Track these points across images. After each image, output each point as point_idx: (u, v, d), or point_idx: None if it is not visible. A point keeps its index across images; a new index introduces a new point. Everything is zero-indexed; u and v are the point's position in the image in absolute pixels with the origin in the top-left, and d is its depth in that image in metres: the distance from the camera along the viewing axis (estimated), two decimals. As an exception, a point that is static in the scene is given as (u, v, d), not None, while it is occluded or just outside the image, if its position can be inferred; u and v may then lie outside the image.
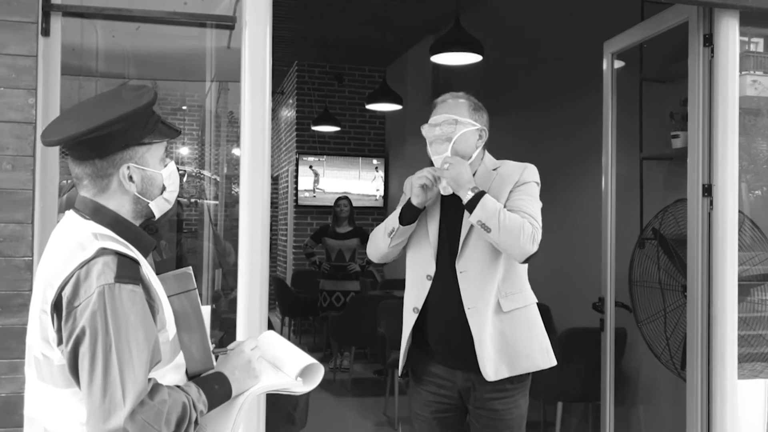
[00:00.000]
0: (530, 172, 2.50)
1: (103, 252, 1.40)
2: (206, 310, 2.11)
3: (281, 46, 8.10)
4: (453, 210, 2.46)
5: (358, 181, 9.04)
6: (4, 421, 2.01)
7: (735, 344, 2.75)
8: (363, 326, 5.84)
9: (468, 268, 2.39)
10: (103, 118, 1.44)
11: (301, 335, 8.27)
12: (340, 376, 6.48)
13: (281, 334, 8.80)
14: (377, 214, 9.06)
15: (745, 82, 3.19)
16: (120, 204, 1.52)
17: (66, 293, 1.38)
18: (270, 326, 3.01)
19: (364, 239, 6.83)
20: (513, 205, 2.38)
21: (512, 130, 6.06)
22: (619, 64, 3.74)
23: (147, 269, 1.48)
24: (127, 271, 1.39)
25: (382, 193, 9.06)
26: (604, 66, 3.57)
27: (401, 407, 5.04)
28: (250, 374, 1.58)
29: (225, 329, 2.84)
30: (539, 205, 2.47)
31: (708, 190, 2.79)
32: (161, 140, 1.54)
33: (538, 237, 2.32)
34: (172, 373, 1.49)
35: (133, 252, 1.47)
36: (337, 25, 7.27)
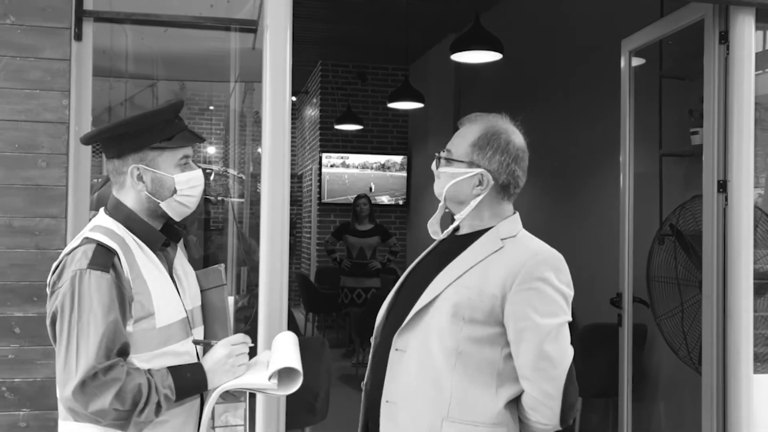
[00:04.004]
0: (548, 266, 1.68)
1: (86, 241, 1.59)
2: (230, 301, 2.23)
3: (305, 47, 8.20)
4: (426, 265, 1.88)
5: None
6: (40, 404, 2.12)
7: (750, 339, 2.77)
8: (385, 322, 5.90)
9: (408, 347, 1.70)
10: (117, 122, 1.65)
11: (325, 331, 8.37)
12: (362, 372, 6.54)
13: (305, 329, 8.88)
14: (399, 212, 9.14)
15: (760, 80, 3.20)
16: (135, 201, 1.68)
17: (54, 276, 1.60)
18: (292, 321, 3.09)
19: (385, 237, 6.90)
20: (516, 351, 1.66)
21: (532, 128, 6.08)
22: (639, 61, 3.76)
23: (140, 261, 1.63)
24: (100, 260, 1.55)
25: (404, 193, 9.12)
26: (622, 63, 3.60)
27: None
28: (226, 370, 1.64)
29: (252, 324, 2.92)
30: (563, 336, 1.68)
31: (723, 186, 2.81)
32: (176, 147, 1.67)
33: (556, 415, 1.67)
34: (162, 358, 1.61)
35: (138, 244, 1.65)
36: (360, 25, 7.35)
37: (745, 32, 2.79)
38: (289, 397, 2.58)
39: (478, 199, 1.75)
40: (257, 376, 1.66)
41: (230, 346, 1.67)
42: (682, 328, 3.54)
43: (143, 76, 5.39)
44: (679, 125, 3.93)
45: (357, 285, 6.73)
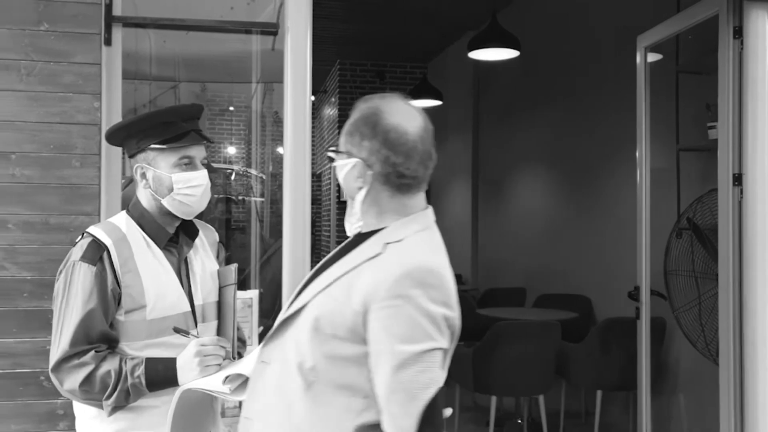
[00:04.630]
0: (412, 281, 1.35)
1: (86, 236, 1.75)
2: (254, 294, 2.33)
3: (323, 46, 8.28)
4: None
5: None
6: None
7: (767, 331, 2.80)
8: (405, 319, 5.96)
9: (272, 359, 1.50)
10: (118, 123, 1.85)
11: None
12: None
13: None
14: (419, 209, 9.18)
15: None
16: (146, 198, 1.81)
17: (61, 265, 1.77)
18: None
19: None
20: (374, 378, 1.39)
21: (550, 124, 6.13)
22: (655, 56, 3.79)
23: (139, 256, 1.75)
24: (90, 254, 1.71)
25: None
26: (638, 59, 3.64)
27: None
28: (192, 368, 1.70)
29: (273, 320, 2.98)
30: (425, 366, 1.34)
31: (738, 180, 2.84)
32: (175, 147, 1.77)
33: None
34: (155, 349, 1.73)
35: (145, 240, 1.78)
36: (378, 24, 7.41)
37: (759, 27, 2.82)
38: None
39: (362, 193, 1.48)
40: (214, 379, 1.66)
41: (199, 346, 1.72)
42: (699, 321, 3.57)
43: (166, 78, 5.49)
44: (697, 120, 3.95)
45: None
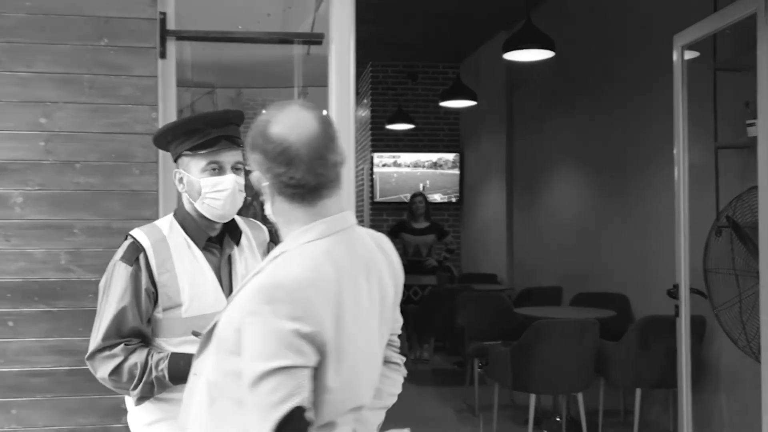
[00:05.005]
0: (262, 297, 1.31)
1: (129, 237, 1.87)
2: None
3: (356, 49, 8.36)
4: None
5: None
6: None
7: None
8: (441, 319, 6.03)
9: (202, 371, 1.47)
10: (158, 130, 1.99)
11: (382, 328, 8.52)
12: (420, 368, 6.70)
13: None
14: (453, 209, 9.24)
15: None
16: (185, 201, 1.92)
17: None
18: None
19: (442, 234, 7.00)
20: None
21: (584, 124, 6.14)
22: (692, 54, 3.80)
23: (178, 257, 1.84)
24: (128, 254, 1.83)
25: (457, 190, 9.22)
26: (674, 58, 3.66)
27: (481, 396, 5.21)
28: None
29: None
30: (273, 387, 1.27)
31: (779, 177, 2.86)
32: (203, 153, 1.85)
33: None
34: (189, 345, 1.78)
35: (186, 241, 1.88)
36: (409, 25, 7.47)
37: (798, 25, 2.84)
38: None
39: (267, 205, 1.46)
40: None
41: None
42: (740, 319, 3.58)
43: (205, 85, 5.62)
44: (735, 117, 3.95)
45: (413, 282, 6.85)
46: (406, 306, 6.82)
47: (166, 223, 1.91)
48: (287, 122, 1.38)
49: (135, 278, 1.81)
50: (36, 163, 2.44)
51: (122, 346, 1.80)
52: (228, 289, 1.90)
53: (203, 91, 5.91)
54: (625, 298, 5.17)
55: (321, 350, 1.31)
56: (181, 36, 2.53)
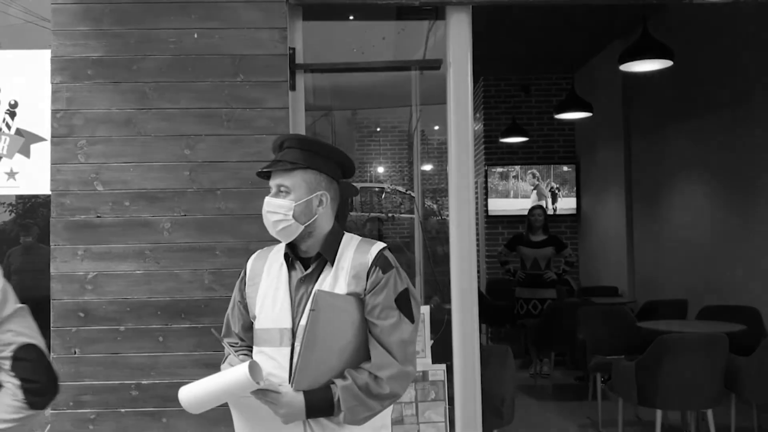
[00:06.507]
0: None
1: None
2: (425, 309, 2.55)
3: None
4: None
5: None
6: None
7: None
8: (561, 333, 5.96)
9: None
10: None
11: (498, 342, 8.50)
12: (540, 382, 6.63)
13: (479, 341, 9.01)
14: (570, 221, 9.10)
15: None
16: None
17: None
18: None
19: (560, 247, 6.90)
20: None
21: (707, 133, 5.93)
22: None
23: (267, 272, 1.95)
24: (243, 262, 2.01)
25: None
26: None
27: (604, 411, 5.11)
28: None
29: (443, 334, 3.15)
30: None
31: None
32: (265, 179, 1.97)
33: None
34: (259, 356, 1.91)
35: (282, 259, 1.95)
36: (521, 38, 7.45)
37: None
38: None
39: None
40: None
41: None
42: None
43: (322, 108, 5.87)
44: None
45: (532, 296, 6.79)
46: (525, 320, 6.83)
47: (284, 244, 1.96)
48: None
49: (237, 289, 2.00)
50: (181, 191, 2.68)
51: (227, 346, 1.93)
52: (302, 308, 1.87)
53: (321, 113, 6.16)
54: (756, 311, 4.94)
55: None
56: (309, 69, 2.70)
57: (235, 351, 1.94)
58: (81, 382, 2.66)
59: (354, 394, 1.79)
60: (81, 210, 2.69)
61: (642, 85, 7.02)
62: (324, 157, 1.93)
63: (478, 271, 9.91)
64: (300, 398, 1.80)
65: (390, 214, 7.19)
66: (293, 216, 1.87)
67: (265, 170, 1.93)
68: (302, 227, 1.89)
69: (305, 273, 1.91)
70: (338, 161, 1.97)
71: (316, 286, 1.88)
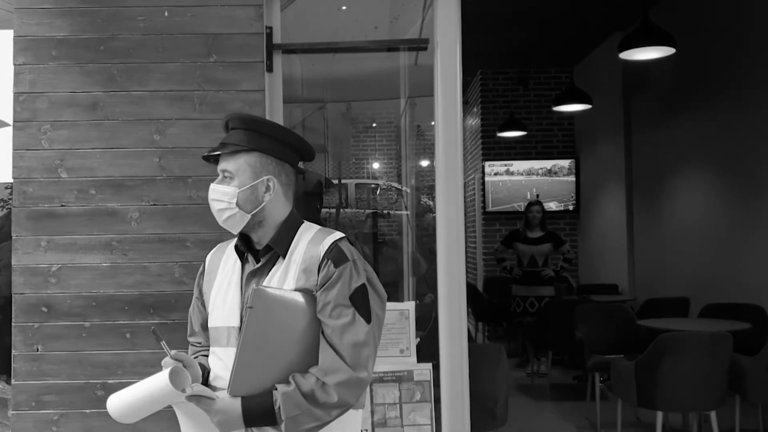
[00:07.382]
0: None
1: None
2: (410, 305, 2.51)
3: (465, 58, 8.29)
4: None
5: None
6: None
7: None
8: (559, 331, 5.81)
9: None
10: None
11: (495, 341, 8.36)
12: (538, 382, 6.48)
13: (475, 339, 8.90)
14: (569, 218, 8.94)
15: None
16: None
17: None
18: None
19: (558, 243, 6.75)
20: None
21: (710, 124, 5.78)
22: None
23: (224, 267, 1.82)
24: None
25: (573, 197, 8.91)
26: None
27: (603, 412, 4.98)
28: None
29: (430, 332, 3.01)
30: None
31: None
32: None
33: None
34: (212, 356, 1.79)
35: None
36: (520, 31, 7.32)
37: None
38: (471, 402, 2.66)
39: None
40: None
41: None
42: None
43: (314, 100, 5.72)
44: None
45: (529, 294, 6.65)
46: (522, 318, 6.69)
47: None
48: None
49: (195, 285, 1.89)
50: (150, 178, 2.52)
51: (190, 345, 1.88)
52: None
53: (315, 106, 6.01)
54: (761, 309, 4.79)
55: None
56: (287, 49, 2.54)
57: (196, 352, 1.80)
58: (44, 381, 2.51)
59: (296, 402, 1.61)
60: (44, 199, 2.53)
61: (643, 76, 6.87)
62: (271, 138, 1.74)
63: (476, 268, 9.81)
64: (237, 405, 1.63)
65: (386, 211, 7.06)
66: (237, 204, 1.71)
67: (208, 155, 1.76)
68: (248, 216, 1.72)
69: (256, 267, 1.74)
70: (290, 143, 1.77)
71: (266, 281, 1.71)
